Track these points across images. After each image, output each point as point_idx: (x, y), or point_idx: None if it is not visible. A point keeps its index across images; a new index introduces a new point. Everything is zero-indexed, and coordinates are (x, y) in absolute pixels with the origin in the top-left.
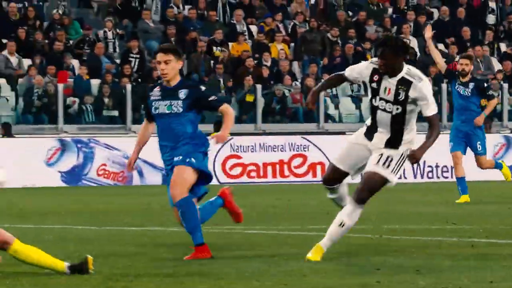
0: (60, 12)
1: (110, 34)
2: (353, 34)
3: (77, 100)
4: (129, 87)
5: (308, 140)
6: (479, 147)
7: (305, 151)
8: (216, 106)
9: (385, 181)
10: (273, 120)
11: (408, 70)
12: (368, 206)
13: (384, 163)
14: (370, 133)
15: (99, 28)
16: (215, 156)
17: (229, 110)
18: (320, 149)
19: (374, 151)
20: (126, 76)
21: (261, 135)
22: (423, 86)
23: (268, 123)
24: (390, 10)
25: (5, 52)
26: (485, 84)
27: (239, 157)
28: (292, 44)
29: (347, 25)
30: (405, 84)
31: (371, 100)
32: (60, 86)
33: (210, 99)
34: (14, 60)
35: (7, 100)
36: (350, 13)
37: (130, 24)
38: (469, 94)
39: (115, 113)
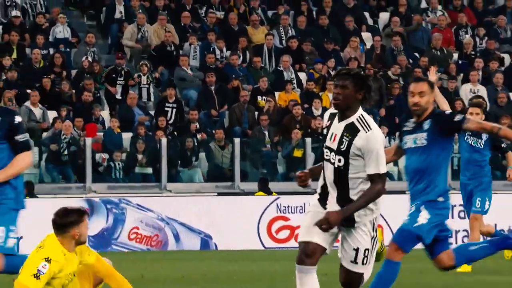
0: (90, 59)
1: (144, 79)
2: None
3: (106, 156)
4: (164, 141)
5: None
6: (477, 203)
7: None
8: (16, 150)
9: (362, 276)
10: None
11: (360, 116)
12: (406, 276)
13: (363, 261)
14: (323, 198)
15: (132, 75)
16: (260, 217)
17: (21, 159)
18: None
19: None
20: (161, 129)
21: (311, 194)
22: (370, 137)
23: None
24: (455, 56)
25: (27, 103)
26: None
27: (286, 219)
28: None
29: (408, 72)
30: (351, 131)
31: (323, 150)
32: (89, 141)
33: (16, 137)
34: (37, 112)
35: None
36: (411, 60)
37: (166, 71)
38: (482, 146)
39: (149, 170)
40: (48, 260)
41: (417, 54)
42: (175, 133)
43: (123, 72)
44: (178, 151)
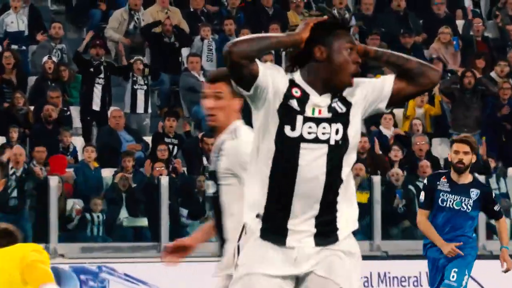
0: (55, 59)
1: (140, 80)
2: None
3: (80, 204)
4: (165, 180)
5: None
6: (452, 275)
7: None
8: None
9: None
10: (397, 233)
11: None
12: None
13: None
14: (278, 230)
15: (116, 71)
16: None
17: None
18: (475, 280)
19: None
20: (159, 161)
21: (380, 260)
22: (361, 79)
23: (388, 239)
24: None
25: None
26: (494, 193)
27: None
28: None
29: None
30: (342, 98)
31: (280, 130)
32: (54, 180)
33: None
34: None
35: None
36: None
37: (166, 76)
38: (470, 207)
39: (142, 222)
40: None
41: None
42: (181, 168)
43: (102, 68)
44: (185, 194)
